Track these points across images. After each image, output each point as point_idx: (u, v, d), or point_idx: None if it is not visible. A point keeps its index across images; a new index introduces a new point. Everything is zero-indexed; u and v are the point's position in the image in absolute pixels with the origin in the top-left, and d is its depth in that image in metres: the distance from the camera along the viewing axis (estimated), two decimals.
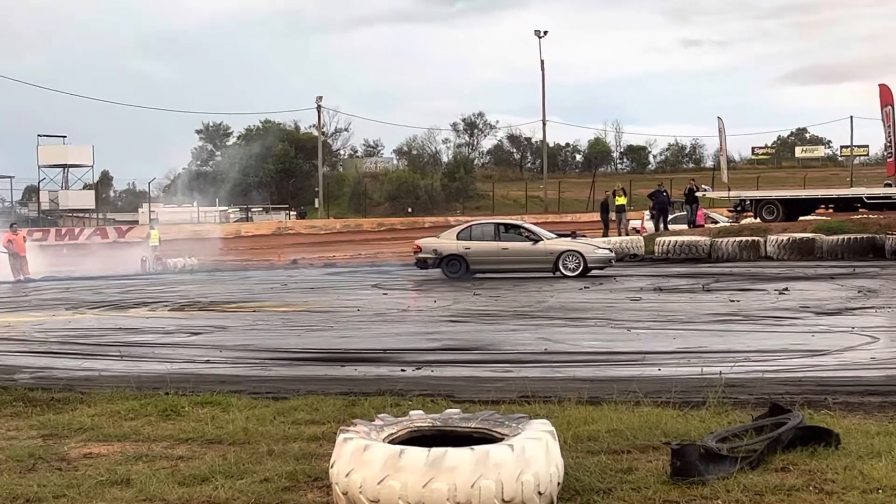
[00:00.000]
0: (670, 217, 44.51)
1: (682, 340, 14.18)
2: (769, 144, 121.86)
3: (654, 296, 22.33)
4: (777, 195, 42.12)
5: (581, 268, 28.46)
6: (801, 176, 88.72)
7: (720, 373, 9.84)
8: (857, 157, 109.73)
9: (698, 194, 44.49)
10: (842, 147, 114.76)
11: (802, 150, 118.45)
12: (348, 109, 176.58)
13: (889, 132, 39.95)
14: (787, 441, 6.84)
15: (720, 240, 36.46)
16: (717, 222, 46.15)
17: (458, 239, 29.55)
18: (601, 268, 29.16)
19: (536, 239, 29.12)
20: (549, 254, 28.75)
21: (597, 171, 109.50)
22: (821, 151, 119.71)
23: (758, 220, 40.46)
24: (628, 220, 45.92)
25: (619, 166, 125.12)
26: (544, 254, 28.78)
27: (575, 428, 7.65)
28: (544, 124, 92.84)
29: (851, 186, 60.42)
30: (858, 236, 34.73)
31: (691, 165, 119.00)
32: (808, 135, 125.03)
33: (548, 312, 19.02)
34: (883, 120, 40.53)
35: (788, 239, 35.11)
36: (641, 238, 39.03)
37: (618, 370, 11.51)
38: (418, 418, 6.13)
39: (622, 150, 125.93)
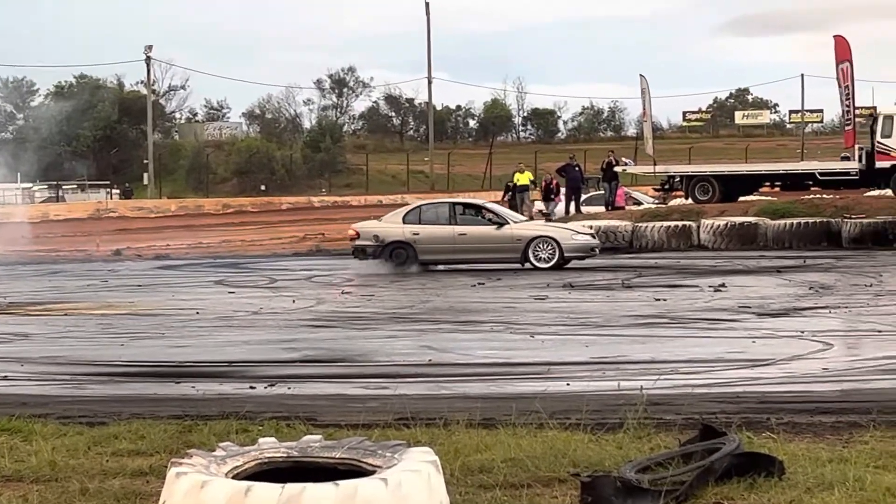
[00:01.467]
0: (584, 197, 44.90)
1: (596, 348, 14.32)
2: (704, 108, 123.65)
3: (563, 293, 22.52)
4: (713, 170, 42.69)
5: (556, 258, 28.55)
6: (741, 147, 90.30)
7: (641, 388, 9.96)
8: (809, 125, 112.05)
9: (618, 169, 44.89)
10: (791, 112, 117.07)
11: (744, 116, 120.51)
12: (186, 62, 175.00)
13: (846, 94, 40.67)
14: (722, 470, 6.94)
15: (644, 225, 36.87)
16: (640, 203, 46.64)
17: (404, 223, 29.56)
18: (582, 258, 29.34)
19: (501, 222, 29.24)
20: (516, 241, 28.82)
21: (494, 141, 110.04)
22: (765, 117, 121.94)
23: (689, 200, 40.98)
24: (532, 202, 46.17)
25: (522, 134, 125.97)
26: (511, 240, 28.84)
27: (464, 457, 7.69)
28: (430, 83, 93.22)
29: (802, 160, 61.61)
30: (810, 220, 35.43)
31: (610, 134, 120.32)
32: (750, 97, 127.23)
33: (433, 314, 19.08)
34: (838, 79, 41.22)
35: (726, 224, 35.69)
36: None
37: (518, 385, 11.58)
38: (270, 447, 6.10)
39: (525, 114, 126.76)
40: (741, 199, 40.64)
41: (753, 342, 14.70)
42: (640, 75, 48.77)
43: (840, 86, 40.90)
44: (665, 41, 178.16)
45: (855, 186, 39.63)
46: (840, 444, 8.21)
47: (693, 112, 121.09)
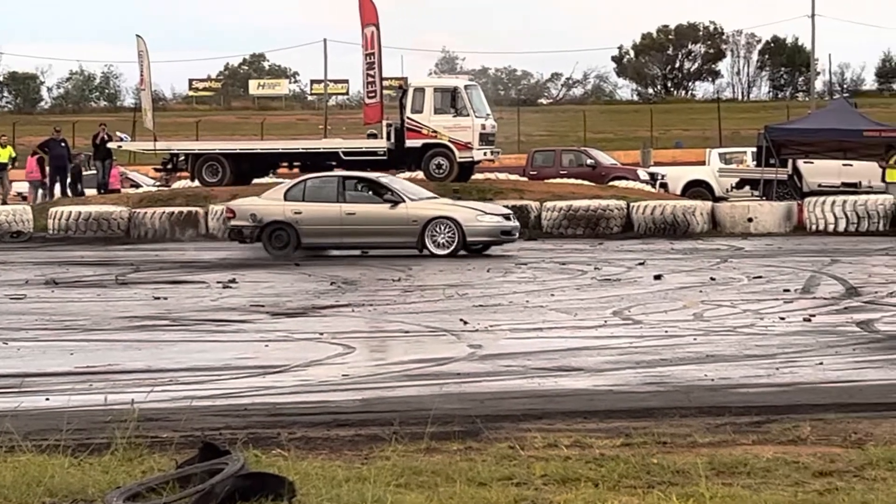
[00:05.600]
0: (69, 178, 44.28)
1: (82, 356, 14.27)
2: (213, 76, 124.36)
3: (44, 292, 22.23)
4: (222, 148, 42.77)
5: (456, 243, 28.13)
6: (257, 121, 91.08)
7: (133, 402, 9.96)
8: (333, 97, 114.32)
9: (112, 146, 44.53)
10: (313, 82, 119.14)
11: (259, 86, 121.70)
12: None
13: (371, 63, 41.50)
14: (224, 494, 7.03)
15: (143, 211, 36.81)
16: (139, 186, 46.42)
17: (286, 199, 29.34)
18: (492, 243, 29.22)
19: (396, 200, 28.71)
20: (412, 222, 28.37)
21: None
22: (284, 87, 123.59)
23: (196, 182, 41.07)
24: (11, 183, 45.29)
25: None
26: (406, 222, 28.41)
27: None
28: None
29: (325, 137, 62.68)
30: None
31: (104, 104, 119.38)
32: (266, 64, 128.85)
33: None
34: (363, 46, 42.04)
35: (222, 211, 35.87)
36: (28, 208, 38.66)
37: None
38: None
39: (1, 79, 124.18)
40: (256, 181, 41.01)
41: (266, 346, 14.96)
42: (137, 35, 48.34)
43: (364, 52, 41.69)
44: None
45: (383, 167, 40.64)
46: (359, 461, 8.44)
47: (201, 80, 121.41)
